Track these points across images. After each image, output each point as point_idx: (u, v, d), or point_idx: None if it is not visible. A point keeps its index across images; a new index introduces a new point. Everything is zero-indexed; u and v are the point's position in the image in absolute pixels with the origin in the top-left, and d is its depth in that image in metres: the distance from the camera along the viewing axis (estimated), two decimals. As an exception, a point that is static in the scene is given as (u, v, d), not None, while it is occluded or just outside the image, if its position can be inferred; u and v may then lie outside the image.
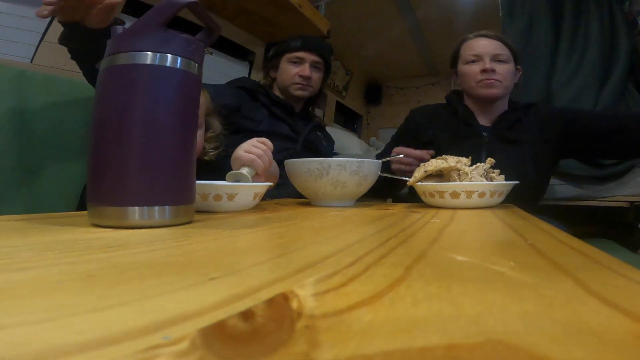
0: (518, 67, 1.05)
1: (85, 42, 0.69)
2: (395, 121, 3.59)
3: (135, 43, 0.35)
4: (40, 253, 0.23)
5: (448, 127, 1.03)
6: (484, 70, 0.98)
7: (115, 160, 0.34)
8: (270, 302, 0.14)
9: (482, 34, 1.04)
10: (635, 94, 1.42)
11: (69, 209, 0.87)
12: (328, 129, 1.43)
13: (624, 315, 0.13)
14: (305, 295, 0.15)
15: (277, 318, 0.13)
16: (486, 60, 0.99)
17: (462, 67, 1.04)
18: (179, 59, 0.37)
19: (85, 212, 0.37)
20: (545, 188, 1.09)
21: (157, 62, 0.35)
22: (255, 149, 0.64)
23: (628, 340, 0.11)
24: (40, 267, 0.19)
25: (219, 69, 1.79)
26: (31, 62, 1.15)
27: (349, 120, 3.50)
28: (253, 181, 0.62)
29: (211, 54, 1.78)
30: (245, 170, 0.60)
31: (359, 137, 3.17)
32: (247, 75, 1.98)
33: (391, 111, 3.66)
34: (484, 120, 1.04)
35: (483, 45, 1.01)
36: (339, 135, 2.28)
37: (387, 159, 0.83)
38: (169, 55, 0.36)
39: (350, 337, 0.11)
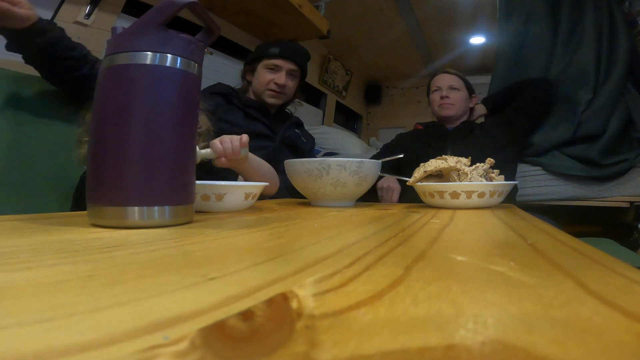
0: (473, 95, 1.41)
1: (21, 44, 0.77)
2: (395, 121, 3.59)
3: (135, 43, 0.35)
4: (40, 253, 0.23)
5: (424, 137, 1.38)
6: (441, 97, 1.37)
7: (115, 160, 0.34)
8: (270, 302, 0.14)
9: (444, 70, 1.43)
10: (635, 94, 1.41)
11: (62, 209, 0.87)
12: (328, 128, 1.43)
13: (624, 315, 0.13)
14: (304, 295, 0.15)
15: (276, 318, 0.13)
16: (444, 89, 1.37)
17: (430, 96, 1.44)
18: (179, 59, 0.37)
19: (84, 212, 0.37)
20: (512, 167, 1.33)
21: (156, 62, 0.35)
22: (224, 137, 0.69)
23: (628, 340, 0.11)
24: (39, 267, 0.19)
25: (219, 69, 1.79)
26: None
27: (349, 120, 3.50)
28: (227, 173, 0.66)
29: (211, 54, 1.78)
30: (204, 150, 0.62)
31: (359, 137, 3.16)
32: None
33: (391, 111, 3.65)
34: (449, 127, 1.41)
35: (442, 79, 1.40)
36: (339, 135, 2.27)
37: (387, 159, 0.83)
38: (169, 55, 0.36)
39: (349, 337, 0.11)
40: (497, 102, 1.46)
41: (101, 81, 0.36)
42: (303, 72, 1.30)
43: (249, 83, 1.26)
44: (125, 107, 0.35)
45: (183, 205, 0.38)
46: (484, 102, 1.47)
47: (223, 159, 0.67)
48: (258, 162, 0.84)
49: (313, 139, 1.38)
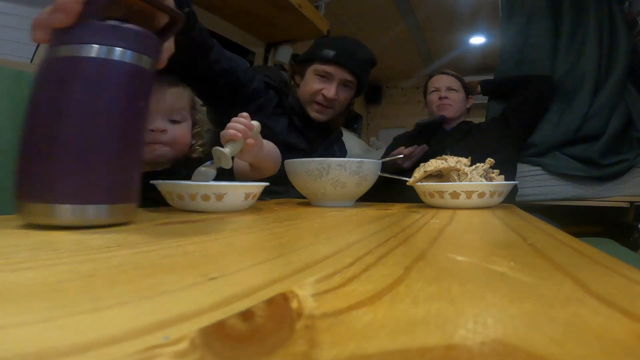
0: (470, 96, 1.43)
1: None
2: (395, 121, 3.60)
3: (81, 34, 0.33)
4: (40, 253, 0.23)
5: (424, 138, 1.38)
6: (439, 98, 1.38)
7: (46, 155, 0.32)
8: (270, 302, 0.14)
9: (442, 71, 1.44)
10: (635, 94, 1.42)
11: None
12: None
13: (624, 315, 0.13)
14: (304, 295, 0.15)
15: (276, 318, 0.13)
16: (442, 90, 1.38)
17: (428, 96, 1.44)
18: (128, 52, 0.35)
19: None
20: (512, 167, 1.35)
21: (103, 56, 0.34)
22: (236, 124, 0.60)
23: (628, 340, 0.11)
24: (40, 267, 0.19)
25: (219, 69, 1.78)
26: (31, 62, 1.15)
27: (349, 120, 3.50)
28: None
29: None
30: (227, 150, 0.57)
31: (359, 137, 3.17)
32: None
33: (391, 111, 3.66)
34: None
35: (440, 80, 1.41)
36: (338, 135, 2.27)
37: (387, 159, 0.83)
38: (117, 49, 0.34)
39: (349, 337, 0.11)
40: (496, 87, 1.50)
41: (41, 72, 0.34)
42: (361, 83, 1.07)
43: (297, 86, 1.08)
44: (59, 100, 0.32)
45: (122, 204, 0.35)
46: (482, 83, 1.50)
47: (250, 140, 0.60)
48: (268, 150, 0.75)
49: (346, 151, 1.26)
